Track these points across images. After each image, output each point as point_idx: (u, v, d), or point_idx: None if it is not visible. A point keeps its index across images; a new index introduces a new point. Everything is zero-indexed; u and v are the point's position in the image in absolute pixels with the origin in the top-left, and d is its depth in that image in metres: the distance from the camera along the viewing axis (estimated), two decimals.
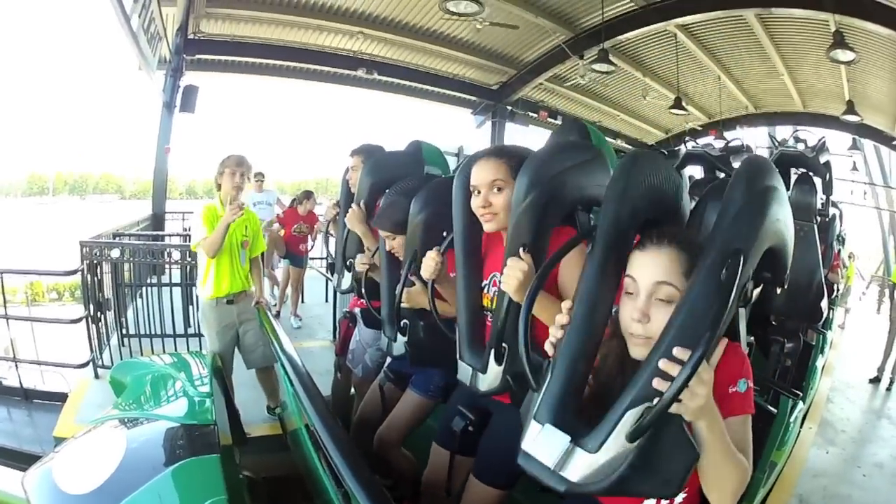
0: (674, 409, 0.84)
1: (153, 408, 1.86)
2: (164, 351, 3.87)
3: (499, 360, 1.37)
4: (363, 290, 2.11)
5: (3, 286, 3.81)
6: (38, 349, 4.33)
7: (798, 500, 3.11)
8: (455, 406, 1.64)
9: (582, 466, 0.90)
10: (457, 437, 1.59)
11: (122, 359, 3.76)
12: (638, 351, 1.00)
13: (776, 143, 4.31)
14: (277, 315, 5.74)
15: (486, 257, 1.55)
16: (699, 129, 10.40)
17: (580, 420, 0.96)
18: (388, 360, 2.11)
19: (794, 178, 3.84)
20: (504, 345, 1.36)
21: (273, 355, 2.92)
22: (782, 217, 1.02)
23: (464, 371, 1.48)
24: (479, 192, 1.45)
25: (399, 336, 1.82)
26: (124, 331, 4.15)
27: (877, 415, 5.15)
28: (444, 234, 1.63)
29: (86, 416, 2.98)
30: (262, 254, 3.43)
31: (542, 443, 0.96)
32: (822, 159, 3.76)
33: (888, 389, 5.69)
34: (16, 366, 3.80)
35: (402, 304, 1.73)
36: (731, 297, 0.88)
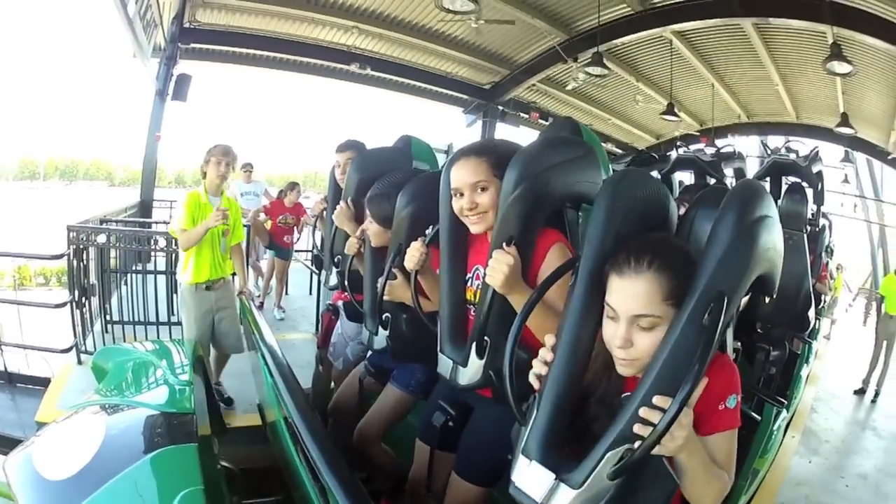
0: (654, 450, 0.88)
1: (133, 395, 1.84)
2: (147, 338, 3.88)
3: (480, 354, 1.36)
4: (346, 283, 2.11)
5: None
6: (24, 333, 4.29)
7: None
8: (436, 401, 1.62)
9: (566, 501, 0.96)
10: (437, 433, 1.57)
11: (105, 345, 3.74)
12: (623, 369, 1.00)
13: (769, 151, 4.32)
14: (261, 306, 5.74)
15: (469, 250, 1.53)
16: (695, 134, 10.42)
17: (564, 456, 1.00)
18: (370, 353, 2.09)
19: (785, 186, 3.85)
20: (486, 338, 1.35)
21: (244, 343, 3.09)
22: (773, 244, 1.02)
23: (444, 364, 1.47)
24: (461, 195, 1.41)
25: (381, 330, 1.80)
26: (108, 317, 4.16)
27: (861, 426, 5.20)
28: (431, 227, 1.60)
29: (68, 402, 2.99)
30: (247, 244, 3.47)
31: (530, 477, 1.00)
32: (815, 169, 3.77)
33: (873, 401, 5.76)
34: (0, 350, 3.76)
35: (385, 297, 1.71)
36: (714, 340, 0.89)
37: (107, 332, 4.03)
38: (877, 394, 5.85)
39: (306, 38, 7.59)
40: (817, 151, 3.83)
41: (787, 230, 3.34)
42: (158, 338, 3.84)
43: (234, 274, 3.28)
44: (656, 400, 0.90)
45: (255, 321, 2.13)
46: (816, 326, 5.22)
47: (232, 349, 3.18)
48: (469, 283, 1.50)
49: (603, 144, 10.34)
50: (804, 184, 3.66)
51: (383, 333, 1.80)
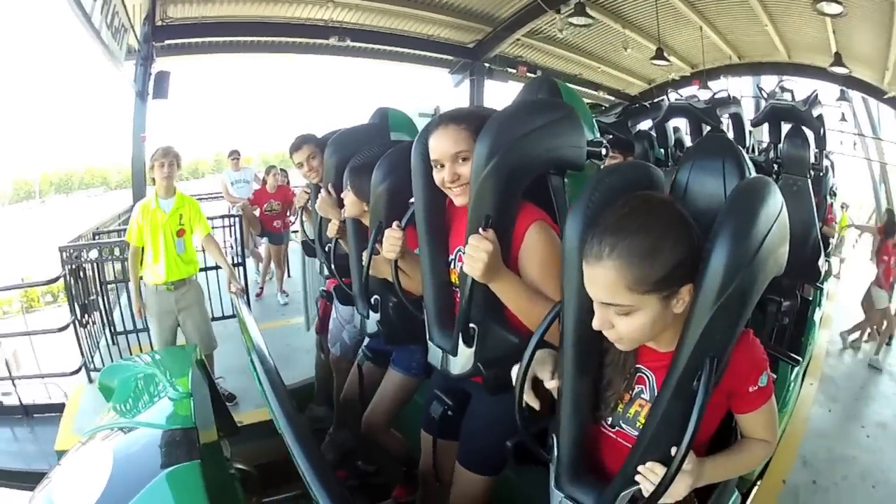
0: (664, 498, 0.91)
1: (137, 413, 1.85)
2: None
3: (468, 343, 1.31)
4: (333, 266, 2.08)
5: None
6: (38, 358, 4.33)
7: (802, 463, 3.10)
8: (432, 390, 1.59)
9: None
10: (436, 423, 1.55)
11: (112, 358, 3.78)
12: (618, 346, 0.97)
13: (765, 96, 4.18)
14: (261, 292, 5.77)
15: (450, 229, 1.45)
16: (687, 76, 10.24)
17: (592, 485, 1.04)
18: (366, 338, 2.06)
19: (784, 130, 3.75)
20: (472, 326, 1.29)
21: (213, 341, 3.25)
22: (783, 246, 0.93)
23: (434, 354, 1.43)
24: (441, 166, 1.32)
25: (371, 313, 1.77)
26: (113, 328, 4.15)
27: (878, 371, 5.14)
28: (412, 201, 1.51)
29: (83, 425, 3.00)
30: (241, 233, 3.46)
31: None
32: (816, 112, 3.66)
33: (887, 344, 5.60)
34: (13, 383, 3.79)
35: (372, 275, 1.67)
36: (707, 400, 0.87)
37: (114, 343, 4.05)
38: (890, 337, 5.67)
39: (282, 17, 7.43)
40: (816, 95, 3.72)
41: (792, 176, 3.26)
42: None
43: (218, 267, 3.34)
44: (651, 465, 0.92)
45: (243, 321, 2.10)
46: (827, 268, 5.22)
47: (203, 349, 3.22)
48: (452, 266, 1.43)
49: (594, 93, 10.19)
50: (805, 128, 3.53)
51: (375, 317, 1.76)
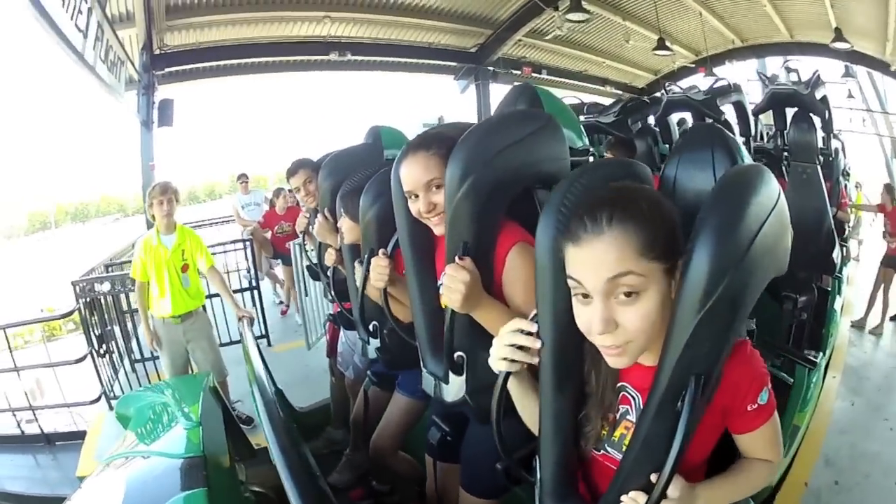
0: None
1: (151, 442, 1.92)
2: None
3: (457, 371, 1.27)
4: (333, 293, 2.08)
5: (7, 340, 3.99)
6: (63, 387, 4.46)
7: (825, 462, 3.00)
8: (431, 415, 1.58)
9: None
10: (436, 449, 1.54)
11: (132, 386, 3.88)
12: (614, 360, 0.85)
13: (766, 81, 4.05)
14: (286, 310, 5.88)
15: (436, 253, 1.42)
16: (691, 65, 10.18)
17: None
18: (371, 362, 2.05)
19: (790, 115, 3.60)
20: (461, 354, 1.25)
21: (224, 369, 3.33)
22: (784, 242, 0.83)
23: (427, 381, 1.40)
24: (416, 197, 1.28)
25: (372, 339, 1.77)
26: (132, 356, 4.28)
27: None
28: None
29: (103, 452, 3.08)
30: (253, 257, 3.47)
31: None
32: (819, 94, 3.47)
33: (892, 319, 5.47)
34: (33, 413, 3.91)
35: (371, 298, 1.66)
36: (694, 421, 0.79)
37: (133, 371, 4.16)
38: None
39: (280, 37, 7.59)
40: (818, 76, 3.53)
41: (800, 164, 3.16)
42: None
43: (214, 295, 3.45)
44: (634, 495, 0.85)
45: (246, 351, 2.14)
46: (844, 253, 5.05)
47: (215, 377, 3.32)
48: (441, 290, 1.40)
49: (602, 87, 10.15)
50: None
51: (375, 342, 1.77)
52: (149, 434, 2.00)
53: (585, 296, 0.81)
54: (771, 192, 0.79)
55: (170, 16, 6.36)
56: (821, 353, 3.20)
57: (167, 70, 7.02)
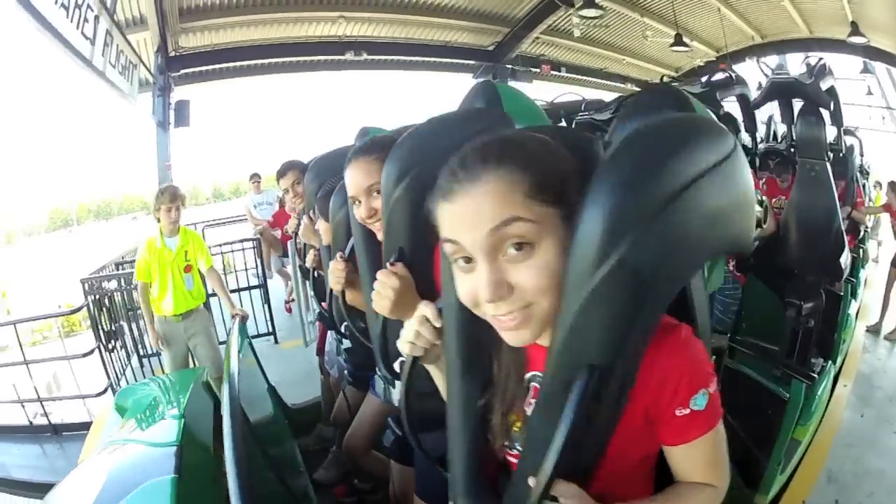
0: None
1: (138, 432, 2.02)
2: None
3: (397, 377, 1.22)
4: (314, 293, 2.12)
5: (18, 335, 4.16)
6: (79, 380, 4.64)
7: (827, 479, 2.82)
8: (387, 417, 1.55)
9: None
10: (394, 451, 1.53)
11: (136, 380, 4.03)
12: (513, 336, 0.69)
13: (766, 72, 3.76)
14: (290, 308, 5.99)
15: None
16: (712, 61, 10.08)
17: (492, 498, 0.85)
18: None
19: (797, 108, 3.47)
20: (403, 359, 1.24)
21: (223, 364, 3.35)
22: (740, 216, 0.66)
23: (379, 384, 1.42)
24: (359, 202, 1.29)
25: (345, 340, 1.81)
26: (142, 350, 4.45)
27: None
28: None
29: (104, 442, 3.24)
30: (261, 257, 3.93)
31: None
32: (826, 85, 3.23)
33: None
34: (41, 405, 4.08)
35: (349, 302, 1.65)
36: (574, 424, 0.64)
37: (141, 366, 4.31)
38: None
39: (295, 37, 7.74)
40: (824, 64, 3.31)
41: (808, 160, 3.02)
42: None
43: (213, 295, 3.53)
44: (531, 481, 0.69)
45: (228, 351, 2.20)
46: (861, 255, 4.81)
47: (212, 372, 3.39)
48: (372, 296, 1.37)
49: (622, 85, 10.09)
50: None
51: (347, 343, 1.82)
52: (139, 424, 2.11)
53: (468, 260, 0.68)
54: (715, 148, 0.62)
55: (183, 18, 6.56)
56: (829, 362, 3.12)
57: (183, 72, 7.21)
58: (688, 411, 0.69)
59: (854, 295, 4.23)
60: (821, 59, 3.37)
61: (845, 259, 2.96)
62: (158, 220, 3.32)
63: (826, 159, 2.96)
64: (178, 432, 1.68)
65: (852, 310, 4.07)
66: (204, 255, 3.44)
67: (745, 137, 4.55)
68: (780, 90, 3.38)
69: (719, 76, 4.20)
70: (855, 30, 7.44)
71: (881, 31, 7.68)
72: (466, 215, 0.66)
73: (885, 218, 7.42)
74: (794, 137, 3.67)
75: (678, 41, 8.30)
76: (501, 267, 0.66)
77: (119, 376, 4.16)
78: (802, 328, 2.82)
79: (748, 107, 4.11)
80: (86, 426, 3.93)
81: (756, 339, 3.04)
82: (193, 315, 3.40)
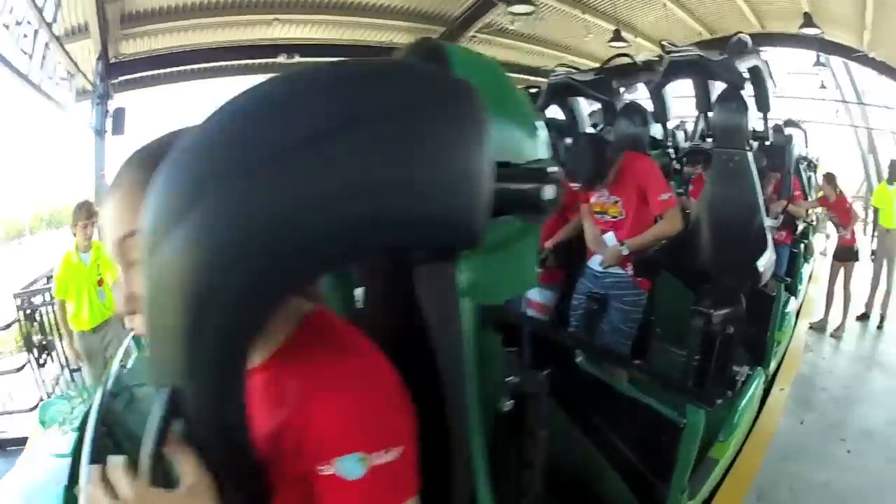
0: None
1: (51, 445, 2.09)
2: None
3: None
4: None
5: None
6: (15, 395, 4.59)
7: (756, 496, 2.51)
8: None
9: None
10: None
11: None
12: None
13: (665, 50, 3.34)
14: None
15: None
16: (656, 59, 10.24)
17: None
18: None
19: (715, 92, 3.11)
20: None
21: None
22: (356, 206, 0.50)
23: None
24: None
25: None
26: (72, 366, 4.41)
27: (866, 363, 4.57)
28: None
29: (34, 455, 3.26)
30: None
31: None
32: (747, 64, 2.86)
33: (879, 327, 5.17)
34: None
35: None
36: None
37: (72, 380, 4.28)
38: (882, 318, 5.21)
39: (230, 41, 7.74)
40: (739, 38, 3.02)
41: (726, 150, 2.78)
42: None
43: None
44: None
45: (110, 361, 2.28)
46: (804, 250, 4.81)
47: None
48: None
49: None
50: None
51: None
52: (53, 438, 2.18)
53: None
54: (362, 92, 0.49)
55: (124, 24, 6.51)
56: (759, 368, 2.96)
57: (122, 78, 7.17)
58: (331, 471, 0.54)
59: (793, 292, 4.11)
60: (738, 33, 3.11)
61: (766, 260, 2.67)
62: (75, 236, 3.39)
63: (748, 148, 2.70)
64: (73, 443, 1.74)
65: (792, 307, 3.94)
66: (111, 269, 3.47)
67: (658, 129, 4.12)
68: (682, 69, 3.08)
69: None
70: (808, 21, 7.40)
71: (840, 23, 7.81)
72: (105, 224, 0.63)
73: None
74: (711, 124, 3.47)
75: (617, 37, 8.38)
76: (132, 276, 0.60)
77: (51, 391, 4.14)
78: (720, 336, 2.49)
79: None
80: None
81: (671, 345, 2.96)
82: (107, 326, 3.49)
